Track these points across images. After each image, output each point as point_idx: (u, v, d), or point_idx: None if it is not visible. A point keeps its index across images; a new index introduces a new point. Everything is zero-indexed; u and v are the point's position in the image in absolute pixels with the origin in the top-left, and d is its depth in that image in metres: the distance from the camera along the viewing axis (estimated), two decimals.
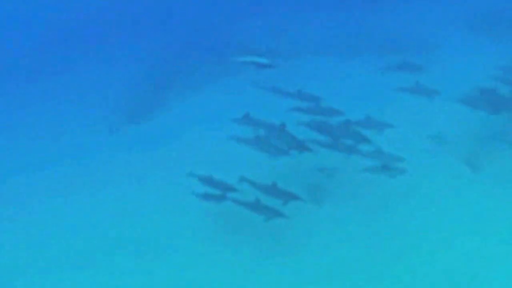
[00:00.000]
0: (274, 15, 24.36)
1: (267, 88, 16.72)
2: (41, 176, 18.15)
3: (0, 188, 17.77)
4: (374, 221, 14.31)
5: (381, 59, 19.44)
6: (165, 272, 13.93)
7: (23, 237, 15.60)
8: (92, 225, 15.71)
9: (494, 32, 20.93)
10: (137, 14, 26.74)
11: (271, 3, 24.75)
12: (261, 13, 24.56)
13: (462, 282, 12.54)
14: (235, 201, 14.06)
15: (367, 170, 14.60)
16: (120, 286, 13.75)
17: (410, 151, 15.53)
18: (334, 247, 13.81)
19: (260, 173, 15.26)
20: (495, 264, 12.82)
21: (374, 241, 13.80)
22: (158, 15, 26.67)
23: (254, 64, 15.74)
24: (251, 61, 15.66)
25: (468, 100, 16.27)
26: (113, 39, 25.29)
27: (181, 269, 13.93)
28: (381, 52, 19.96)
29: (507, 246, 13.21)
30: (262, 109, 16.51)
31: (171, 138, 18.65)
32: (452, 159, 15.80)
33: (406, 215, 14.36)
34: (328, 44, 21.94)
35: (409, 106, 17.32)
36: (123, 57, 24.19)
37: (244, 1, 25.23)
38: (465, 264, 12.93)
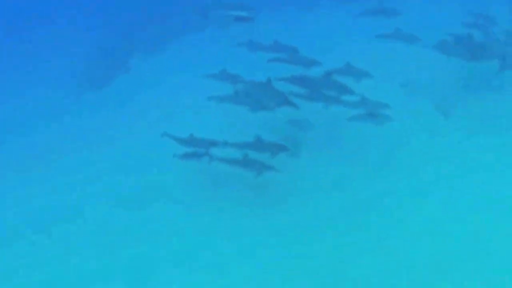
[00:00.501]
0: None
1: (242, 42, 16.24)
2: (5, 148, 17.41)
3: None
4: (355, 169, 14.17)
5: (356, 4, 19.05)
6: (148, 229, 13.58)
7: None
8: (65, 191, 15.07)
9: None
10: None
11: None
12: None
13: (434, 227, 12.56)
14: (220, 159, 13.72)
15: (353, 119, 14.37)
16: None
17: (388, 99, 15.09)
18: (319, 197, 13.63)
19: (241, 129, 14.87)
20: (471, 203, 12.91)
21: (357, 189, 13.69)
22: None
23: (232, 16, 15.35)
24: (230, 14, 15.25)
25: (443, 47, 16.17)
26: None
27: (163, 226, 13.57)
28: None
29: (481, 185, 13.28)
30: (238, 64, 16.09)
31: (143, 97, 18.03)
32: (427, 106, 15.73)
33: (389, 164, 14.20)
34: None
35: (387, 53, 17.05)
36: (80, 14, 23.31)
37: None
38: (442, 209, 12.97)
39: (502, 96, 15.75)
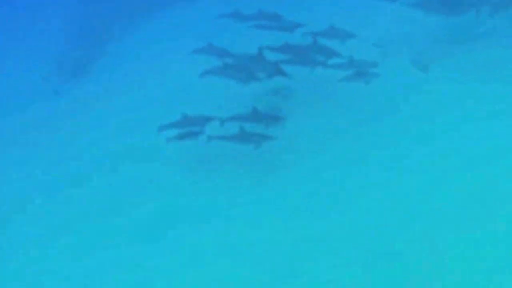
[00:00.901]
0: None
1: (225, 14, 16.19)
2: None
3: None
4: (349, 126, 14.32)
5: None
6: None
7: None
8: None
9: None
10: None
11: None
12: None
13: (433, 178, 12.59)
14: (217, 136, 13.64)
15: (343, 80, 14.47)
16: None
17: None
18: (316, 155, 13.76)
19: (234, 102, 14.93)
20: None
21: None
22: None
23: None
24: None
25: (422, 4, 16.13)
26: None
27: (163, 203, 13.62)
28: None
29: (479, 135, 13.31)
30: (223, 36, 16.09)
31: (127, 78, 18.00)
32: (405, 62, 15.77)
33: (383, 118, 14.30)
34: None
35: (369, 12, 17.22)
36: None
37: None
38: (441, 158, 13.00)
39: (489, 44, 15.86)
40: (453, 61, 15.60)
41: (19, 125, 17.67)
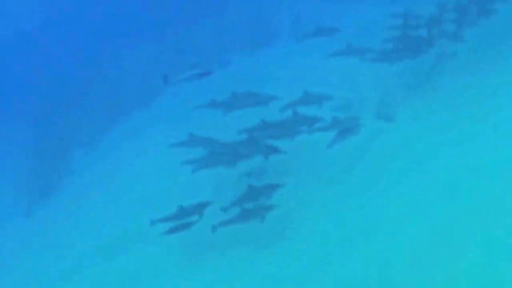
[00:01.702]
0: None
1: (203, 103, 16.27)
2: None
3: None
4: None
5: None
6: None
7: None
8: None
9: None
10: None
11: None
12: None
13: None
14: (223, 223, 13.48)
15: (331, 144, 14.59)
16: None
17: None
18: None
19: (226, 186, 14.90)
20: None
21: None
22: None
23: (191, 77, 15.29)
24: (188, 76, 15.20)
25: (379, 57, 16.68)
26: None
27: None
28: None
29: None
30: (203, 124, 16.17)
31: (106, 184, 17.88)
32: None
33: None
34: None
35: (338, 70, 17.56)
36: None
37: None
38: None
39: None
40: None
41: None
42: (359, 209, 13.61)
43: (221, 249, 13.88)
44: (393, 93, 16.58)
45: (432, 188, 13.34)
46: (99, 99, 21.84)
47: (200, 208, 13.67)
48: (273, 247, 13.45)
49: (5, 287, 15.85)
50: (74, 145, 20.41)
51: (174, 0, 24.98)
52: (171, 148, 15.52)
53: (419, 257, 11.91)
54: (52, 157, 20.16)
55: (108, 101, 21.46)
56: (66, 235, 16.72)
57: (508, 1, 17.65)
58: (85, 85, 22.71)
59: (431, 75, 16.80)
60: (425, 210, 12.84)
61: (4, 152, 21.87)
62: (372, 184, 14.08)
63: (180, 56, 21.30)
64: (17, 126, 22.51)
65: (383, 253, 12.32)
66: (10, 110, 23.39)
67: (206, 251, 13.99)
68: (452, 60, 16.92)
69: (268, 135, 14.63)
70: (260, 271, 13.08)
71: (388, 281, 11.74)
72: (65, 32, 26.14)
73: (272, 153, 14.28)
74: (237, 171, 14.84)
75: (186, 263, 14.04)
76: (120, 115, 20.65)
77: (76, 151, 20.22)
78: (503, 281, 10.83)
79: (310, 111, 14.90)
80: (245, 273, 13.18)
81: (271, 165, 15.03)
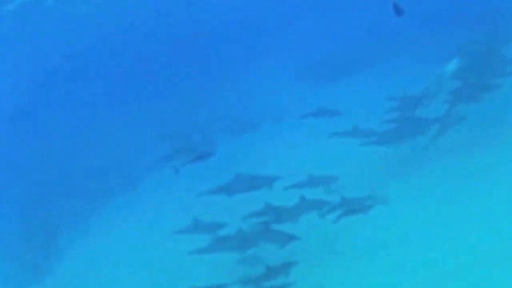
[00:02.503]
0: None
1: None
2: None
3: None
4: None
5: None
6: None
7: None
8: None
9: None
10: None
11: None
12: None
13: None
14: None
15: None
16: None
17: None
18: None
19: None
20: None
21: None
22: None
23: (196, 159, 15.20)
24: (192, 158, 15.11)
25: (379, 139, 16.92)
26: None
27: None
28: None
29: None
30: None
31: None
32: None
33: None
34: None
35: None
36: None
37: None
38: None
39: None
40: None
41: None
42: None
43: None
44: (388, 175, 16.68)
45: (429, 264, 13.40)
46: (86, 182, 21.62)
47: None
48: None
49: None
50: (63, 228, 19.93)
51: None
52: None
53: None
54: (41, 240, 19.67)
55: (95, 184, 21.18)
56: None
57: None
58: (72, 166, 22.50)
59: (427, 156, 16.86)
60: None
61: None
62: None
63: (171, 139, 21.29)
64: (5, 209, 22.08)
65: None
66: None
67: None
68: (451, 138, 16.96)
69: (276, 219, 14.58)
70: None
71: None
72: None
73: (288, 241, 14.18)
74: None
75: None
76: (108, 198, 20.29)
77: (65, 234, 19.71)
78: None
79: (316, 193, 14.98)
80: None
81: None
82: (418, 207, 15.28)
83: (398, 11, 11.97)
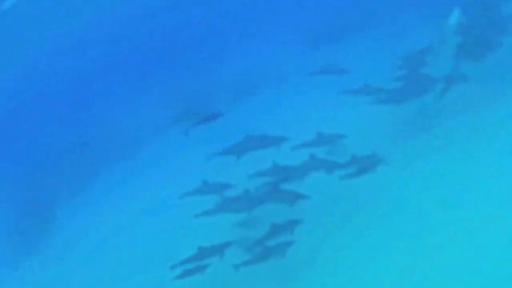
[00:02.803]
0: None
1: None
2: None
3: None
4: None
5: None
6: None
7: None
8: None
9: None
10: None
11: None
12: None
13: None
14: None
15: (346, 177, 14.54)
16: None
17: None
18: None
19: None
20: None
21: None
22: None
23: (203, 121, 15.18)
24: (199, 121, 15.09)
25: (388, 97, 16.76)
26: None
27: None
28: None
29: None
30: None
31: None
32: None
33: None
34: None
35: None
36: None
37: None
38: None
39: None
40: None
41: None
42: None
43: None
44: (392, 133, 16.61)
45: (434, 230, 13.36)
46: (83, 150, 21.61)
47: (220, 248, 13.66)
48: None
49: None
50: (58, 199, 19.86)
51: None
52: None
53: None
54: (35, 210, 19.67)
55: (92, 151, 21.21)
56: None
57: None
58: (66, 137, 22.46)
59: (434, 115, 16.74)
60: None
61: None
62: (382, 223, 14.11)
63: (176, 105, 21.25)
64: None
65: None
66: None
67: None
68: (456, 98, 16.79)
69: (284, 178, 14.59)
70: None
71: None
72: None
73: (297, 199, 14.18)
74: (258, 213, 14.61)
75: None
76: (105, 166, 20.26)
77: (60, 204, 19.65)
78: None
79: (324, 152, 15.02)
80: None
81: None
82: (426, 168, 15.13)
83: None
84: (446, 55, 17.40)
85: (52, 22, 28.98)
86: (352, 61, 19.32)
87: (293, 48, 22.34)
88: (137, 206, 17.83)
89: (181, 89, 21.84)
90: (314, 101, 18.70)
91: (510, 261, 12.22)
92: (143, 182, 18.73)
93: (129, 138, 20.86)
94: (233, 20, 25.88)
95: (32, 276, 17.27)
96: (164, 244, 15.91)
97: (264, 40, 23.89)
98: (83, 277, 16.25)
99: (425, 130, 16.31)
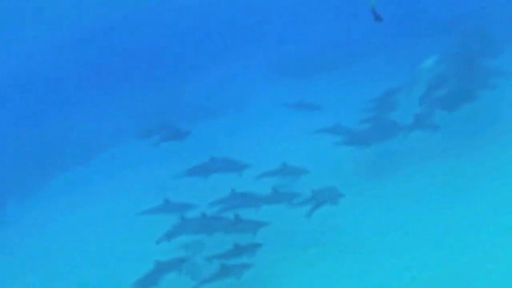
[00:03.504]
0: None
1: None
2: None
3: None
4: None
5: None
6: None
7: None
8: None
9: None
10: None
11: None
12: None
13: None
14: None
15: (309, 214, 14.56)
16: None
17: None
18: None
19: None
20: None
21: None
22: None
23: (169, 138, 15.26)
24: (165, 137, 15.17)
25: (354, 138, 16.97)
26: None
27: None
28: None
29: None
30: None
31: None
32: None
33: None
34: None
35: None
36: None
37: None
38: None
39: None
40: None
41: None
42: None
43: None
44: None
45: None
46: (38, 152, 21.61)
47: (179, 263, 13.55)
48: None
49: None
50: (11, 196, 19.86)
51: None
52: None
53: None
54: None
55: (47, 155, 21.17)
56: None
57: (494, 87, 17.73)
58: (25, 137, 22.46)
59: (397, 161, 16.84)
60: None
61: None
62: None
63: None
64: None
65: None
66: None
67: None
68: (423, 145, 16.91)
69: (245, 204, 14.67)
70: None
71: None
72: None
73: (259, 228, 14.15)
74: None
75: None
76: (58, 169, 20.30)
77: (12, 202, 19.65)
78: None
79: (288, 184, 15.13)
80: None
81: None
82: (382, 210, 15.15)
83: (377, 17, 12.20)
84: (416, 100, 17.43)
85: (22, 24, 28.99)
86: (322, 98, 19.59)
87: (263, 74, 22.68)
88: (87, 213, 17.86)
89: (148, 103, 21.97)
90: (281, 132, 18.91)
91: None
92: (97, 190, 18.77)
93: (88, 144, 20.92)
94: (208, 40, 26.16)
95: None
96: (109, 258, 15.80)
97: (234, 63, 24.15)
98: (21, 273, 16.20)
99: (385, 175, 16.34)
